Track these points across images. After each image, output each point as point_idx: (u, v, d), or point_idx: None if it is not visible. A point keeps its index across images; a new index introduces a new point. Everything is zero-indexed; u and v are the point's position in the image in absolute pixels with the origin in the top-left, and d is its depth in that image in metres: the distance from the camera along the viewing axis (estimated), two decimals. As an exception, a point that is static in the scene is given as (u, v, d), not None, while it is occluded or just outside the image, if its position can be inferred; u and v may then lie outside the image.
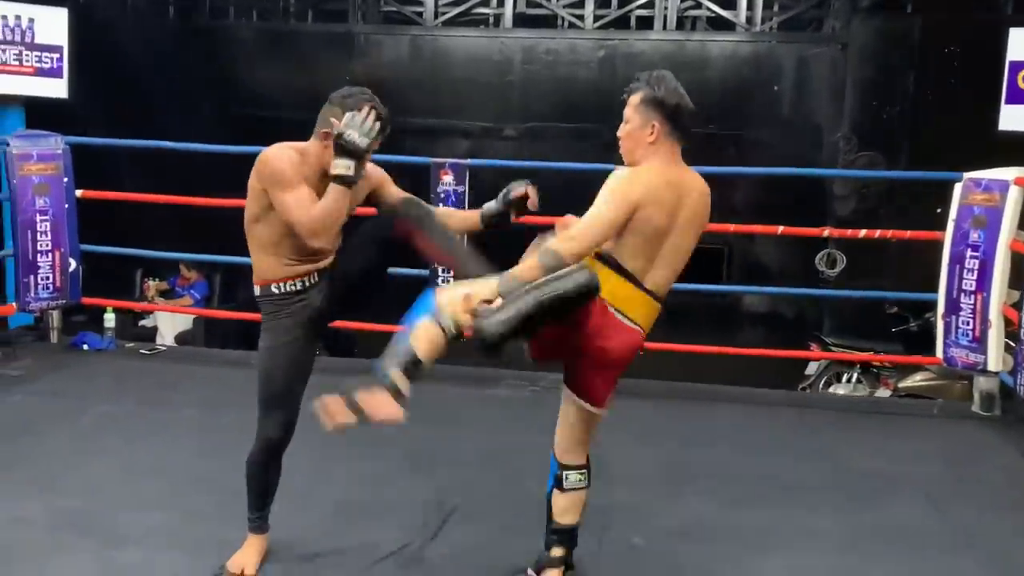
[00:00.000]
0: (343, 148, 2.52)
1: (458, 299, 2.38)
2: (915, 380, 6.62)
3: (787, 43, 7.62)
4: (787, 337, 7.28)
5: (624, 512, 3.51)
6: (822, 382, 7.07)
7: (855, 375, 7.03)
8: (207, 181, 6.28)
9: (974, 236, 4.34)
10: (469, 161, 5.00)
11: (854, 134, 7.32)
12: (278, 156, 2.64)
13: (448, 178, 4.86)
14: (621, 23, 7.87)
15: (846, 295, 6.51)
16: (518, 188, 2.80)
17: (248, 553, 2.98)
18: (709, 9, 7.72)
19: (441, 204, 4.87)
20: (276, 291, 2.78)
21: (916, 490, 3.78)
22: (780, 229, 4.62)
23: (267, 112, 7.69)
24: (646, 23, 7.84)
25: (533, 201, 2.78)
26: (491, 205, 2.83)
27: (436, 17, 7.97)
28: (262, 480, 2.92)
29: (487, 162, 6.77)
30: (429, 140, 7.64)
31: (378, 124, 2.53)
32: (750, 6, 7.63)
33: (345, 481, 3.72)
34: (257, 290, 2.82)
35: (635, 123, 2.54)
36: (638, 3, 7.77)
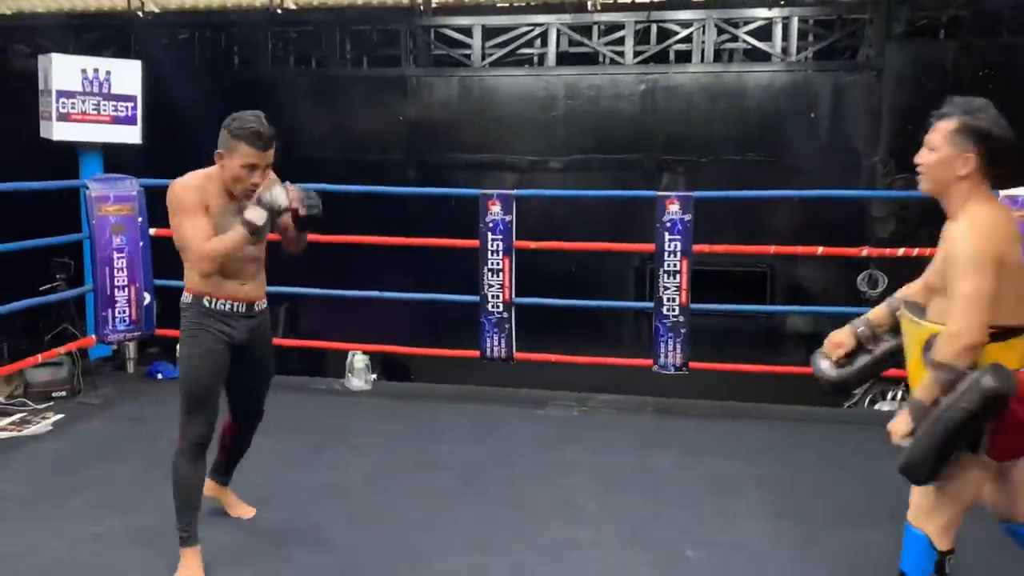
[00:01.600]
0: (261, 203, 2.77)
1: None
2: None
3: (822, 71, 7.54)
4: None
5: (674, 526, 3.46)
6: (867, 400, 6.92)
7: (900, 392, 6.86)
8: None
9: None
10: (515, 192, 5.02)
11: (891, 157, 7.19)
12: (181, 184, 2.84)
13: (496, 208, 4.89)
14: (660, 58, 7.85)
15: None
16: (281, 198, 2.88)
17: (191, 569, 2.97)
18: (745, 41, 7.67)
19: (489, 233, 4.91)
20: (206, 304, 2.92)
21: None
22: (820, 250, 4.55)
23: (328, 153, 7.83)
24: (684, 57, 7.82)
25: (303, 209, 2.88)
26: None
27: (483, 59, 8.05)
28: (192, 482, 2.96)
29: (532, 192, 6.82)
30: (479, 174, 7.70)
31: (292, 197, 2.82)
32: (785, 37, 7.57)
33: (407, 495, 3.72)
34: (187, 298, 2.96)
35: (944, 153, 2.27)
36: (676, 38, 7.76)
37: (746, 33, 7.66)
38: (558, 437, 4.56)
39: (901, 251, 4.85)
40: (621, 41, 7.83)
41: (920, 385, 2.21)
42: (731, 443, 4.48)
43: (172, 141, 6.75)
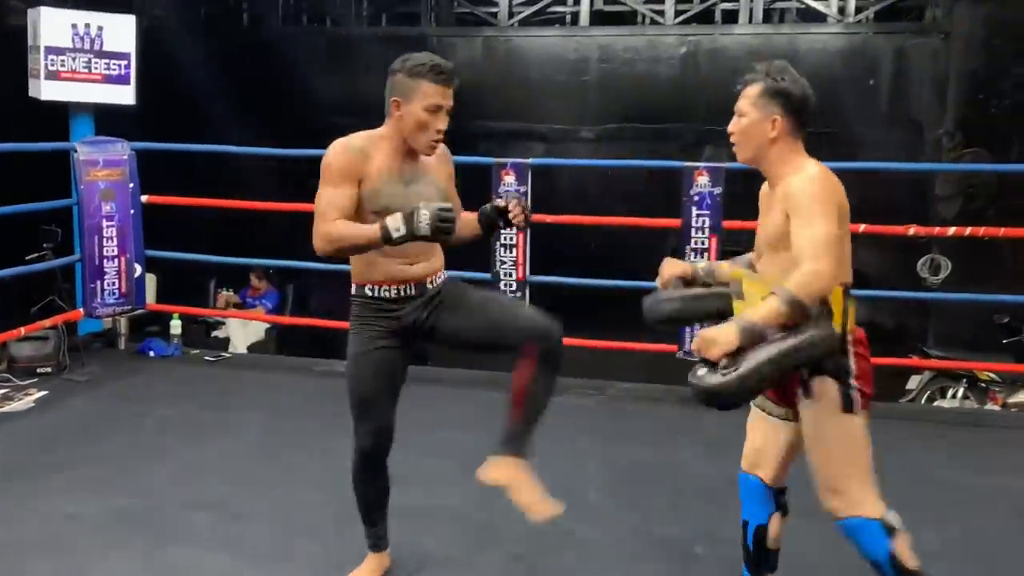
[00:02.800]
0: (408, 222, 2.51)
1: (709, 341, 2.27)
2: (1026, 395, 6.35)
3: (884, 34, 7.43)
4: (887, 349, 7.06)
5: (688, 521, 3.47)
6: (924, 397, 6.84)
7: (961, 390, 6.77)
8: (282, 189, 6.49)
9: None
10: (531, 160, 5.04)
11: (958, 130, 7.07)
12: (334, 148, 2.65)
13: (510, 178, 4.91)
14: (704, 17, 7.80)
15: (946, 298, 6.26)
16: (503, 200, 2.80)
17: (362, 573, 3.00)
18: (799, 0, 7.60)
19: None
20: (369, 293, 2.75)
21: (1010, 505, 3.63)
22: (862, 227, 4.48)
23: (342, 119, 7.87)
24: (731, 17, 7.76)
25: (516, 216, 2.74)
26: (485, 209, 2.82)
27: (510, 17, 8.06)
28: (362, 493, 2.92)
29: (548, 161, 6.87)
30: (504, 143, 7.71)
31: (449, 225, 2.52)
32: (842, -4, 7.49)
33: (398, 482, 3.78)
34: (353, 288, 2.79)
35: (752, 117, 2.42)
36: (723, -4, 7.72)
37: (799, -10, 7.59)
38: (573, 426, 4.57)
39: (952, 230, 4.78)
40: (662, -1, 7.79)
41: (760, 310, 2.22)
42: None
43: (170, 104, 6.87)
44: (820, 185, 2.30)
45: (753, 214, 5.34)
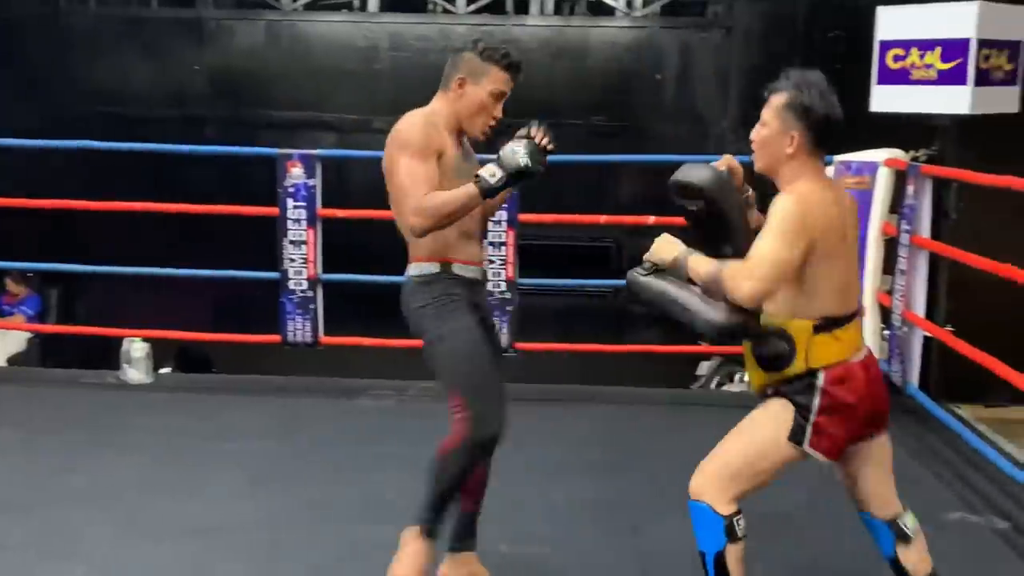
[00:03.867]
0: (501, 162, 2.51)
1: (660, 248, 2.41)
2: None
3: (669, 28, 7.84)
4: (679, 336, 7.45)
5: (491, 519, 3.55)
6: (714, 382, 7.29)
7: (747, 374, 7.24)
8: (47, 183, 6.09)
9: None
10: (319, 152, 4.98)
11: (740, 124, 7.57)
12: (411, 123, 2.64)
13: (297, 170, 4.85)
14: (497, 7, 7.96)
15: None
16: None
17: (410, 559, 2.76)
18: (589, -8, 7.89)
19: (290, 200, 4.86)
20: (457, 272, 2.70)
21: (799, 481, 3.93)
22: (651, 219, 4.75)
23: (105, 108, 7.49)
24: (523, 7, 7.96)
25: (543, 139, 2.60)
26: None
27: (294, 1, 7.92)
28: (456, 482, 2.70)
29: (340, 152, 6.85)
30: (290, 134, 7.55)
31: (546, 152, 2.53)
32: (630, -11, 7.83)
33: (181, 499, 3.66)
34: (423, 268, 2.70)
35: (773, 129, 2.40)
36: (512, -15, 7.89)
37: (590, -17, 7.86)
38: (370, 429, 4.58)
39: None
40: (453, -14, 7.88)
41: (702, 263, 2.34)
42: (563, 429, 4.62)
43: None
44: (796, 207, 2.32)
45: (556, 207, 5.45)
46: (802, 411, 2.39)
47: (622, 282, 6.99)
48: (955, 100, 4.42)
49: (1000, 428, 4.76)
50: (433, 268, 2.70)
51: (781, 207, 2.32)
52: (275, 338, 5.11)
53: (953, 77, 4.42)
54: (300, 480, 3.93)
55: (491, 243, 4.86)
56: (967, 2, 4.37)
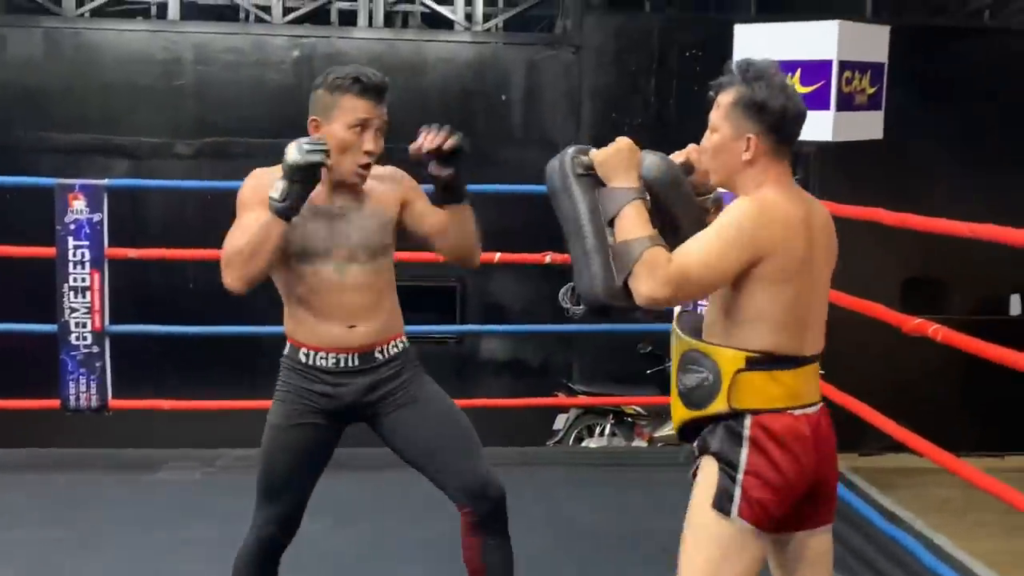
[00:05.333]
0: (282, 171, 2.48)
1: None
2: (672, 428, 7.01)
3: (514, 45, 7.91)
4: (533, 387, 7.49)
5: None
6: (572, 437, 7.33)
7: (608, 426, 7.34)
8: None
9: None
10: (106, 182, 4.76)
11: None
12: (247, 179, 2.65)
13: (79, 204, 4.62)
14: (320, 18, 7.87)
15: (583, 330, 6.69)
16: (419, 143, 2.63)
17: None
18: (423, 4, 7.88)
19: (71, 238, 4.62)
20: (303, 359, 2.68)
21: (655, 546, 3.94)
22: (497, 256, 4.72)
23: None
24: (349, 18, 7.89)
25: (436, 142, 2.58)
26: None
27: (79, 5, 7.60)
28: None
29: (133, 182, 6.70)
30: (76, 160, 7.23)
31: (320, 146, 2.47)
32: (469, 2, 7.87)
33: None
34: (285, 348, 2.74)
35: (725, 134, 2.26)
36: (339, -6, 7.82)
37: (423, -7, 7.88)
38: (173, 508, 4.38)
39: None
40: (268, -8, 7.75)
41: (633, 228, 2.21)
42: (400, 498, 4.51)
43: None
44: (750, 213, 2.18)
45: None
46: (727, 468, 2.21)
47: (470, 328, 7.00)
48: (817, 126, 4.57)
49: (874, 478, 4.94)
50: (287, 349, 2.75)
51: (735, 208, 2.20)
52: (53, 403, 4.82)
53: (815, 101, 4.56)
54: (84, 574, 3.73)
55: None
56: (827, 21, 4.53)
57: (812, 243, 2.23)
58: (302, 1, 7.79)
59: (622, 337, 6.96)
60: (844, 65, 4.59)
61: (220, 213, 2.74)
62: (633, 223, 2.20)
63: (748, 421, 2.21)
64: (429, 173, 2.63)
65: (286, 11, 7.74)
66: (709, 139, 2.29)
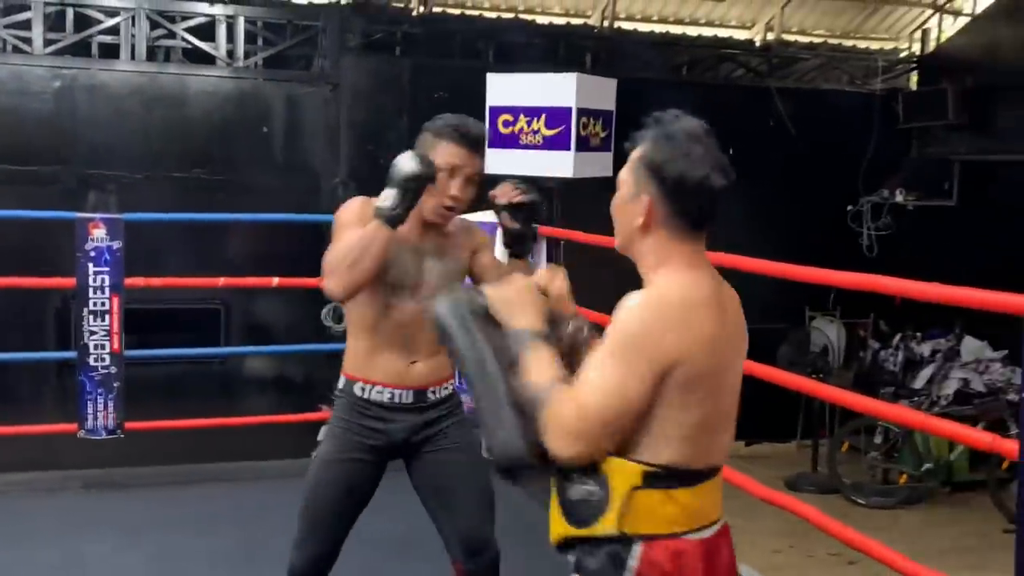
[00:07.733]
0: (389, 180, 2.51)
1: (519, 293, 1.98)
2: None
3: (273, 81, 7.94)
4: (300, 402, 7.49)
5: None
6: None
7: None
8: None
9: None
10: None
11: (352, 179, 7.84)
12: (350, 203, 2.69)
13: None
14: (81, 50, 7.59)
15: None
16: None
17: None
18: (185, 40, 7.76)
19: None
20: (359, 393, 2.66)
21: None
22: (275, 281, 4.80)
23: None
24: (111, 51, 7.65)
25: (513, 196, 2.75)
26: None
27: None
28: None
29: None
30: None
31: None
32: (231, 39, 7.82)
33: None
34: (340, 381, 2.72)
35: (623, 193, 1.95)
36: (99, 28, 7.56)
37: (185, 30, 7.77)
38: None
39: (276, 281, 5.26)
40: (28, 25, 7.40)
41: (540, 372, 1.86)
42: (182, 513, 4.50)
43: None
44: (641, 320, 1.81)
45: (156, 269, 5.44)
46: None
47: (235, 350, 6.98)
48: (559, 164, 4.92)
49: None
50: (341, 383, 2.74)
51: (627, 314, 1.82)
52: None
53: (557, 143, 4.93)
54: None
55: (92, 312, 4.68)
56: (566, 73, 4.91)
57: (721, 335, 1.87)
58: (63, 34, 7.49)
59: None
60: (581, 112, 4.98)
61: None
62: (540, 366, 1.86)
63: (637, 551, 1.83)
64: (501, 224, 2.74)
65: (47, 43, 7.42)
66: (616, 194, 1.99)
